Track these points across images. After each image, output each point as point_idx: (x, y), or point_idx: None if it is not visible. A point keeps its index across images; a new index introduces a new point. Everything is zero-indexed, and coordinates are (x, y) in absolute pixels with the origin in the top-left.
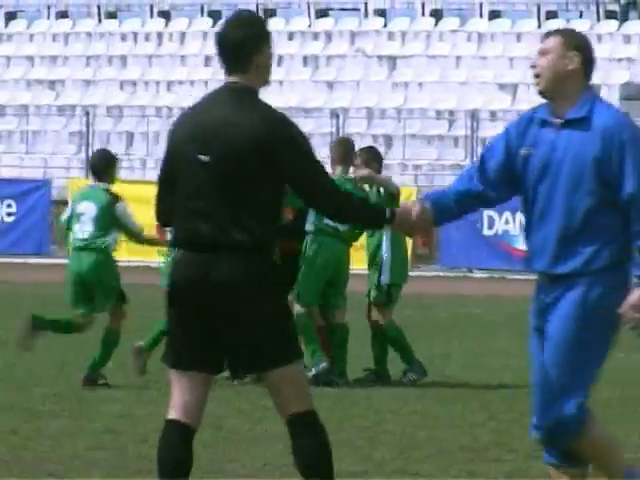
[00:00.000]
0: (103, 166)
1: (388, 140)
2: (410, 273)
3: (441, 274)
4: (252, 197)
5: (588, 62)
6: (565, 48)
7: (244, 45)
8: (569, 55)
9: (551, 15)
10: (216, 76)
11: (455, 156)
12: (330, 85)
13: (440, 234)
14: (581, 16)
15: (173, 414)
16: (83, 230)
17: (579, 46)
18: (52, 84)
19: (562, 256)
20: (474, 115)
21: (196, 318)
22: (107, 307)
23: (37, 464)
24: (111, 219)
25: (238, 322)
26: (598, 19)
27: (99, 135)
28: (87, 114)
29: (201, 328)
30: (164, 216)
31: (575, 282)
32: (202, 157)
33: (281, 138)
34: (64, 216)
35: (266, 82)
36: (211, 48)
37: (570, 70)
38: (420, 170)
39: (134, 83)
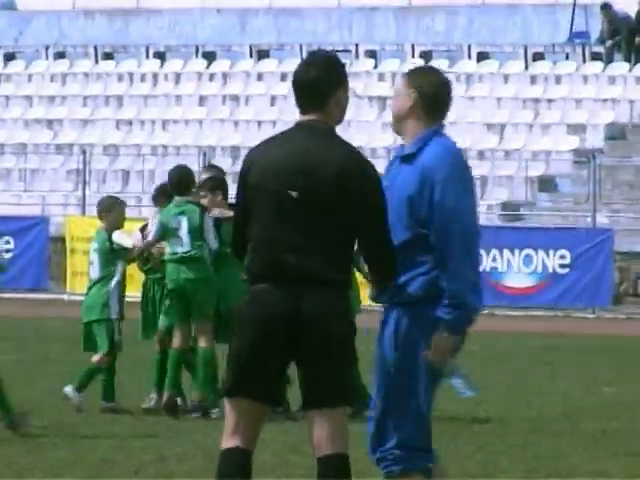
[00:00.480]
0: (189, 180)
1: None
2: None
3: None
4: (338, 231)
5: (427, 98)
6: (406, 87)
7: (324, 84)
8: (408, 92)
9: (538, 57)
10: (210, 115)
11: None
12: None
13: None
14: (567, 58)
15: (232, 442)
16: (181, 244)
17: (419, 83)
18: (50, 123)
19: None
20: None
21: (276, 350)
22: (203, 320)
23: None
24: (202, 231)
25: (322, 357)
26: (584, 61)
27: (95, 173)
28: (84, 153)
29: (277, 360)
30: (242, 248)
31: (391, 311)
32: (292, 192)
33: (367, 176)
34: (153, 233)
35: (341, 121)
36: (206, 88)
37: (409, 107)
38: None
39: (130, 122)
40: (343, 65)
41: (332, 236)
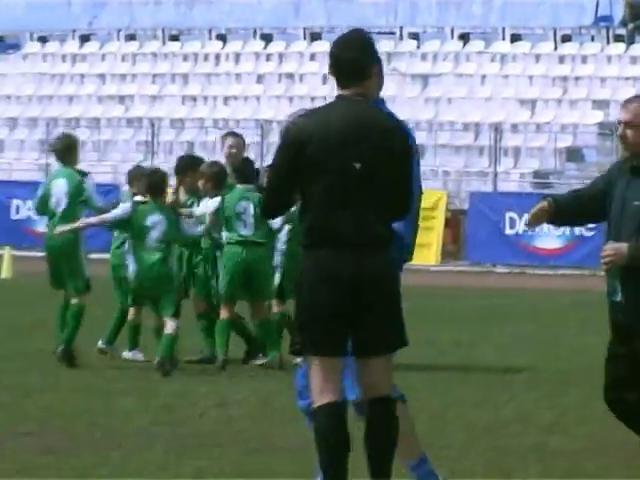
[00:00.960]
0: (252, 171)
1: (421, 149)
2: (440, 268)
3: (468, 269)
4: (390, 196)
5: None
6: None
7: (362, 61)
8: None
9: (566, 38)
10: (267, 92)
11: (480, 164)
12: None
13: (467, 233)
14: (593, 40)
15: (327, 398)
16: (245, 227)
17: None
18: (122, 99)
19: None
20: (497, 127)
21: (347, 307)
22: (260, 298)
23: (107, 438)
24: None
25: (380, 310)
26: (608, 42)
27: (163, 145)
28: (152, 126)
29: (343, 317)
30: (278, 208)
31: None
32: (355, 164)
33: (411, 141)
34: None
35: (377, 94)
36: (263, 67)
37: None
38: (449, 176)
39: (194, 98)
40: (374, 44)
41: (384, 198)
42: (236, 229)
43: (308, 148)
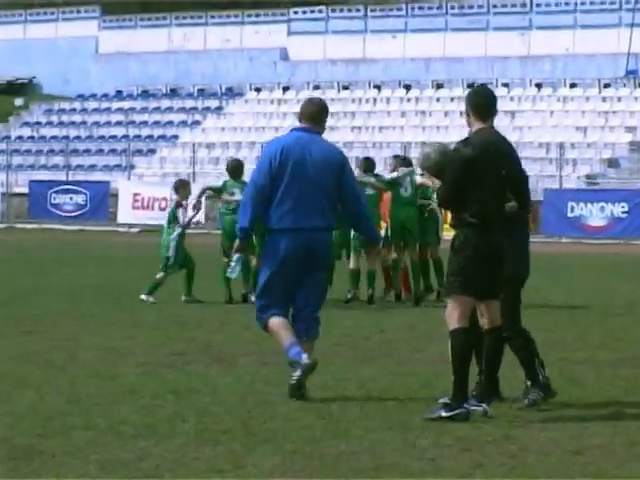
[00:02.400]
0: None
1: None
2: None
3: (542, 240)
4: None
5: None
6: None
7: (495, 103)
8: None
9: (606, 85)
10: (408, 124)
11: (550, 170)
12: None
13: (542, 216)
14: (624, 86)
15: (463, 323)
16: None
17: None
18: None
19: None
20: (561, 145)
21: (486, 264)
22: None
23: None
24: None
25: (501, 266)
26: (635, 87)
27: None
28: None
29: (485, 270)
30: (455, 203)
31: None
32: (502, 171)
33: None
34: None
35: None
36: (405, 106)
37: None
38: (530, 178)
39: (359, 128)
40: None
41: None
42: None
43: (476, 162)
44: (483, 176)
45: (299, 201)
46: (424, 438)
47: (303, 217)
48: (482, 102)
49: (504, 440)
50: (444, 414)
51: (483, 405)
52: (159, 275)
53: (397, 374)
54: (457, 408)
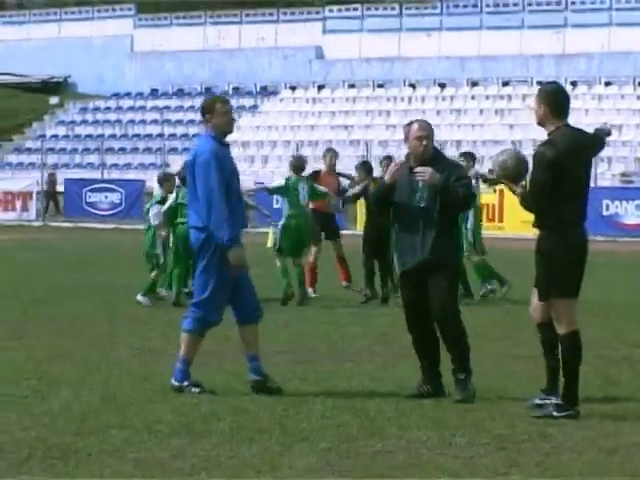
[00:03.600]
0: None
1: None
2: None
3: None
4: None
5: None
6: None
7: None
8: None
9: None
10: (442, 122)
11: None
12: (511, 126)
13: None
14: None
15: (576, 326)
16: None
17: None
18: (346, 127)
19: None
20: None
21: (579, 262)
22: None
23: (339, 353)
24: None
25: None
26: None
27: (375, 158)
28: (367, 145)
29: (580, 269)
30: (540, 206)
31: None
32: (581, 170)
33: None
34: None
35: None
36: (439, 105)
37: None
38: None
39: (394, 126)
40: None
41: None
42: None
43: (560, 160)
44: (568, 175)
45: None
46: (460, 436)
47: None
48: (561, 99)
49: (540, 438)
50: (555, 414)
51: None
52: (153, 274)
53: None
54: (569, 409)
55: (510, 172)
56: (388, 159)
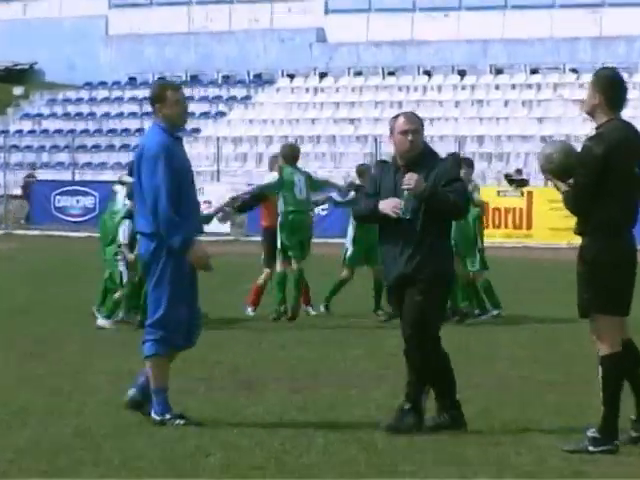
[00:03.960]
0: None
1: None
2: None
3: None
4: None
5: None
6: None
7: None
8: None
9: None
10: (462, 115)
11: None
12: (540, 120)
13: None
14: None
15: (619, 347)
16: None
17: None
18: (352, 121)
19: None
20: None
21: (629, 274)
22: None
23: (342, 378)
24: None
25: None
26: None
27: (385, 155)
28: (375, 141)
29: (630, 281)
30: (585, 209)
31: None
32: (633, 170)
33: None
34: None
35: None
36: (459, 95)
37: None
38: None
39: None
40: None
41: None
42: None
43: (611, 158)
44: (618, 174)
45: None
46: (483, 474)
47: None
48: (619, 90)
49: (573, 477)
50: (591, 449)
51: None
52: (117, 294)
53: None
54: (607, 443)
55: (555, 167)
56: (383, 163)
